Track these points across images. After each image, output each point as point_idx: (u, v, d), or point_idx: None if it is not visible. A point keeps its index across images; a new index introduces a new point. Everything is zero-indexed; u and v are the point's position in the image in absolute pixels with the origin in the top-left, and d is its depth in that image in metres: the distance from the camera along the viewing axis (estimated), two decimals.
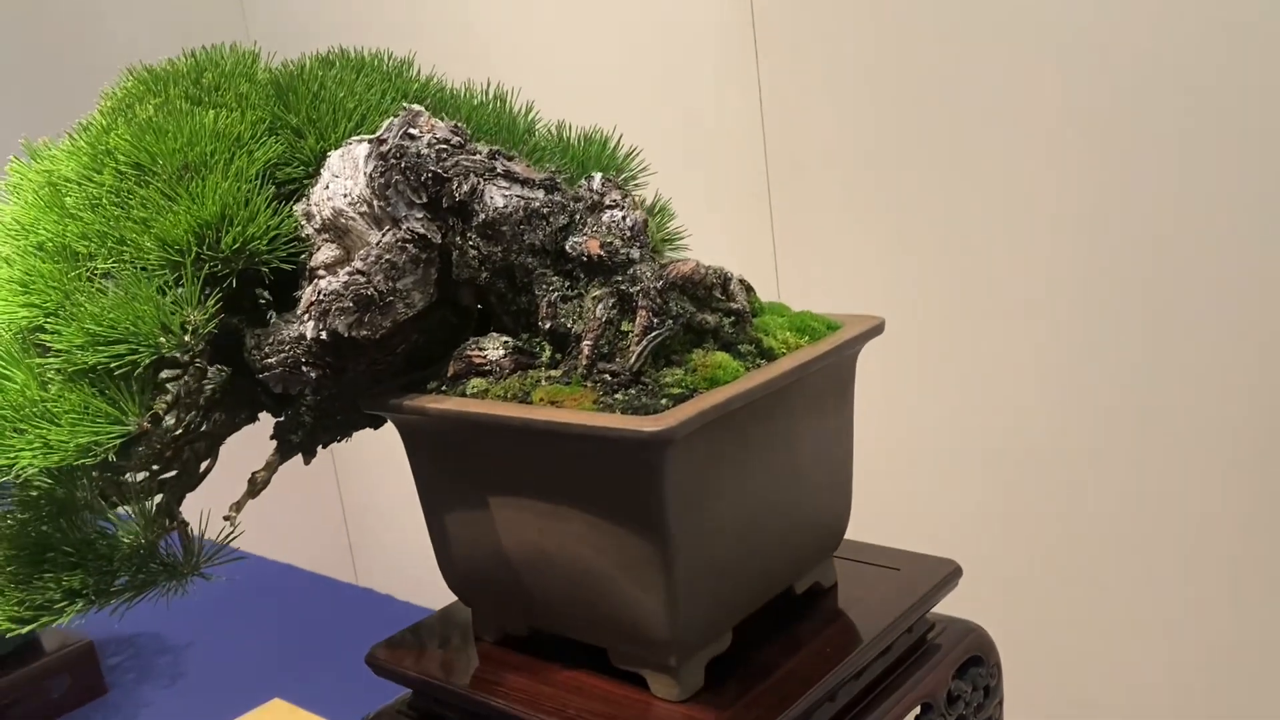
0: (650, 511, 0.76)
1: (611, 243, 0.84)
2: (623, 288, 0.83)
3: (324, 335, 0.84)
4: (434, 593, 2.40)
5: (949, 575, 0.98)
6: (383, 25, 2.30)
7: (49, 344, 0.79)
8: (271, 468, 1.01)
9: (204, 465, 0.97)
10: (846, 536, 0.99)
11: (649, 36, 1.90)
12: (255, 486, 0.96)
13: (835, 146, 1.72)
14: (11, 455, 0.76)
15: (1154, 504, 1.56)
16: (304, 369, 0.86)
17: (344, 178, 0.88)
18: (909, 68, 1.62)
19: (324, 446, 1.07)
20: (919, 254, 1.68)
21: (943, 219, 1.65)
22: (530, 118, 1.08)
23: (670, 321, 0.81)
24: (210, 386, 0.92)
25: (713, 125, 1.85)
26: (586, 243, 0.84)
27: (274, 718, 2.24)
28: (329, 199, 0.87)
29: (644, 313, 0.81)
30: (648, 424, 0.73)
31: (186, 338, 0.80)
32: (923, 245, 1.67)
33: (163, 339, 0.78)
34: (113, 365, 0.77)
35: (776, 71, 1.76)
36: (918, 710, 0.92)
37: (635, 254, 0.84)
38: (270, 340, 0.87)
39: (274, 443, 1.00)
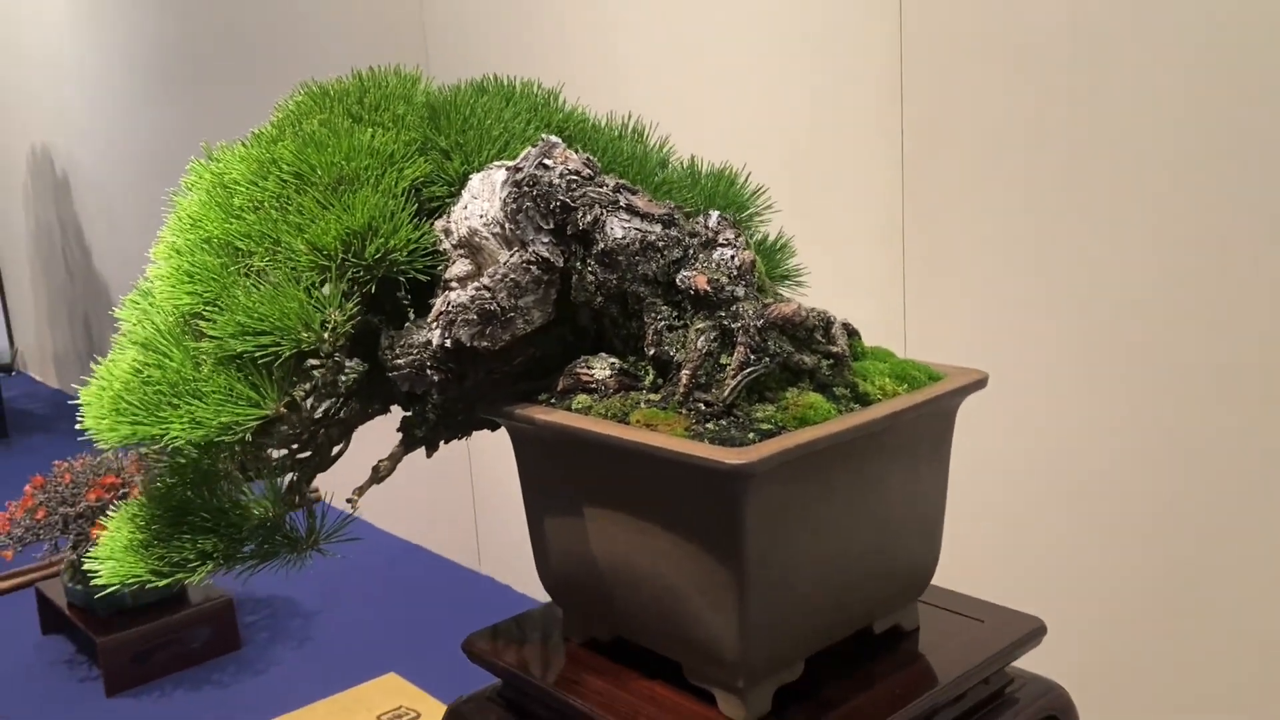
0: (729, 539, 0.80)
1: (718, 279, 0.88)
2: (725, 323, 0.87)
3: (448, 343, 0.90)
4: None
5: (1032, 632, 0.99)
6: (546, 48, 2.40)
7: (205, 330, 0.88)
8: (395, 459, 1.09)
9: (336, 449, 1.05)
10: (934, 582, 1.01)
11: (795, 79, 1.94)
12: (378, 474, 1.03)
13: (975, 200, 1.72)
14: (164, 426, 0.86)
15: (1258, 574, 1.50)
16: (429, 372, 0.93)
17: (482, 199, 0.95)
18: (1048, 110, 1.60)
19: (445, 443, 1.15)
20: (1040, 307, 1.66)
21: (1075, 274, 1.63)
22: (665, 152, 1.13)
23: (767, 359, 0.85)
24: (347, 378, 1.00)
25: (851, 171, 1.87)
26: (695, 278, 0.89)
27: (388, 691, 2.36)
28: (466, 218, 0.94)
29: (742, 348, 0.85)
30: (732, 456, 0.77)
31: (326, 335, 0.88)
32: (1046, 299, 1.66)
33: (304, 334, 0.86)
34: (258, 354, 0.86)
35: (919, 119, 1.77)
36: None
37: (740, 292, 0.88)
38: (402, 343, 0.94)
39: (399, 435, 1.08)
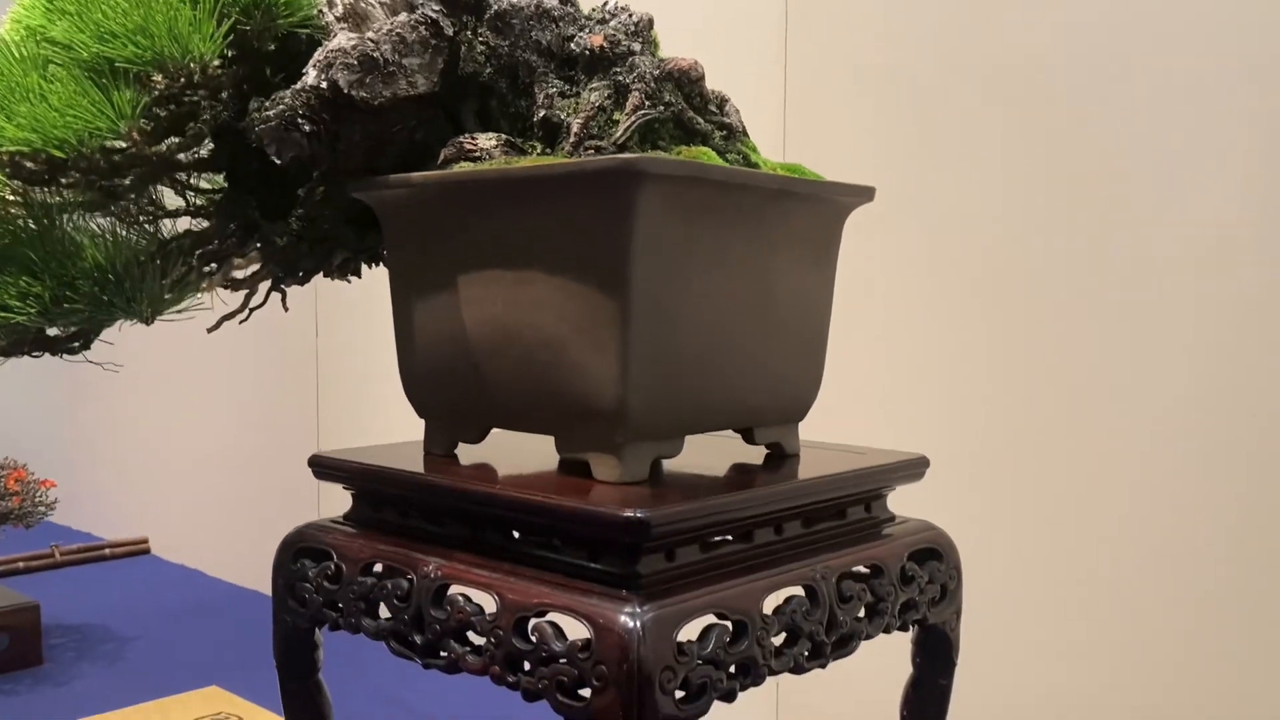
0: (617, 266, 0.76)
1: (615, 35, 0.86)
2: (620, 78, 0.85)
3: (324, 85, 0.85)
4: None
5: (913, 460, 0.96)
6: None
7: (57, 37, 0.81)
8: (258, 278, 1.02)
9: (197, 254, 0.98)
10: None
11: None
12: (233, 280, 0.96)
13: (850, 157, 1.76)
14: None
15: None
16: (300, 122, 0.87)
17: None
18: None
19: (304, 279, 1.08)
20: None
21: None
22: None
23: (661, 107, 0.83)
24: (209, 118, 0.93)
25: None
26: (590, 37, 0.87)
27: (209, 698, 2.15)
28: None
29: (637, 94, 0.83)
30: (621, 161, 0.73)
31: (194, 63, 0.82)
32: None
33: (171, 48, 0.80)
34: (118, 62, 0.79)
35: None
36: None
37: (637, 47, 0.86)
38: (273, 97, 0.88)
39: (259, 249, 1.01)
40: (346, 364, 2.84)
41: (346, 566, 0.87)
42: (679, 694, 0.70)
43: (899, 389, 1.77)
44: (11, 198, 0.86)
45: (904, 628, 0.92)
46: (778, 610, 0.79)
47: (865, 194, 0.94)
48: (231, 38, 0.89)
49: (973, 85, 1.68)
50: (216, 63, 0.88)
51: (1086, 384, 1.58)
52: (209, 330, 1.06)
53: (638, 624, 0.69)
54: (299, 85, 0.87)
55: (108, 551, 2.88)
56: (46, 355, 0.91)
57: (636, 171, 0.73)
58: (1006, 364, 1.66)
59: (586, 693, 0.70)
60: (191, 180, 1.07)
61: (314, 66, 0.86)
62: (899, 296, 1.77)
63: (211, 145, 1.01)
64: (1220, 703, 1.48)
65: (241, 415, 3.25)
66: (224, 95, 0.93)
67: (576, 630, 0.72)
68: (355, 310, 2.77)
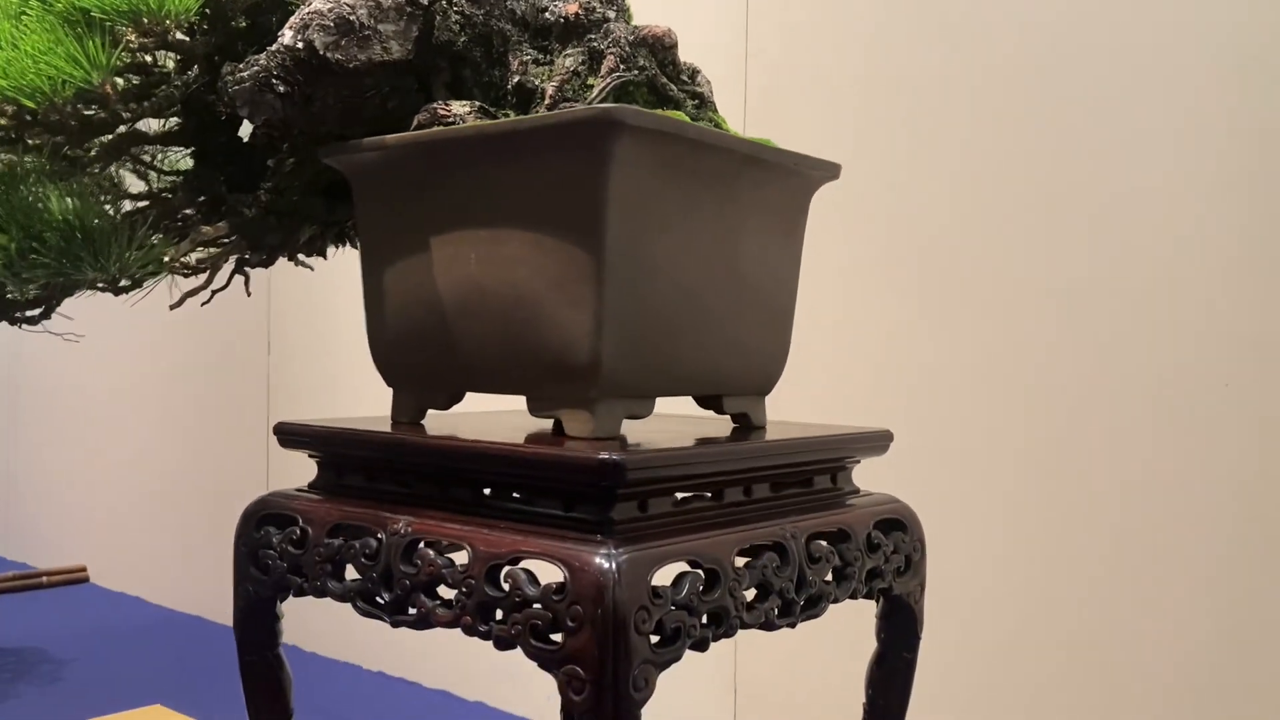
0: (591, 215, 0.76)
1: (590, 3, 0.87)
2: (594, 44, 0.86)
3: (300, 46, 0.86)
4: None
5: (879, 434, 0.97)
6: None
7: None
8: (227, 250, 1.01)
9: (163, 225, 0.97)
10: None
11: None
12: (198, 236, 0.95)
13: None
14: None
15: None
16: (275, 82, 0.87)
17: None
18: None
19: (269, 258, 1.08)
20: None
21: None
22: None
23: (636, 71, 0.84)
24: (181, 85, 0.93)
25: None
26: (565, 5, 0.88)
27: (154, 718, 2.09)
28: None
29: (612, 58, 0.84)
30: (599, 110, 0.74)
31: (167, 20, 0.82)
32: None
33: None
34: (94, 11, 0.79)
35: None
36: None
37: (611, 14, 0.87)
38: (246, 61, 0.89)
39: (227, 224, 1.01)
40: (300, 393, 2.81)
41: (313, 529, 0.86)
42: (653, 638, 0.70)
43: (861, 371, 1.79)
44: None
45: (870, 595, 0.92)
46: (749, 565, 0.79)
47: (832, 170, 0.96)
48: (206, 9, 0.90)
49: (942, 69, 1.72)
50: (188, 26, 0.88)
51: (1052, 366, 1.61)
52: (171, 307, 1.05)
53: (613, 565, 0.69)
54: (274, 46, 0.87)
55: (45, 580, 2.81)
56: None
57: (614, 121, 0.74)
58: (971, 347, 1.69)
59: (559, 638, 0.70)
60: (156, 160, 1.07)
61: (290, 28, 0.86)
62: (860, 276, 1.79)
63: (179, 120, 1.01)
64: (1189, 679, 1.50)
65: (184, 442, 3.20)
66: (194, 67, 0.94)
67: (550, 578, 0.72)
68: (310, 331, 2.74)
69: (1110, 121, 1.55)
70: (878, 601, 0.97)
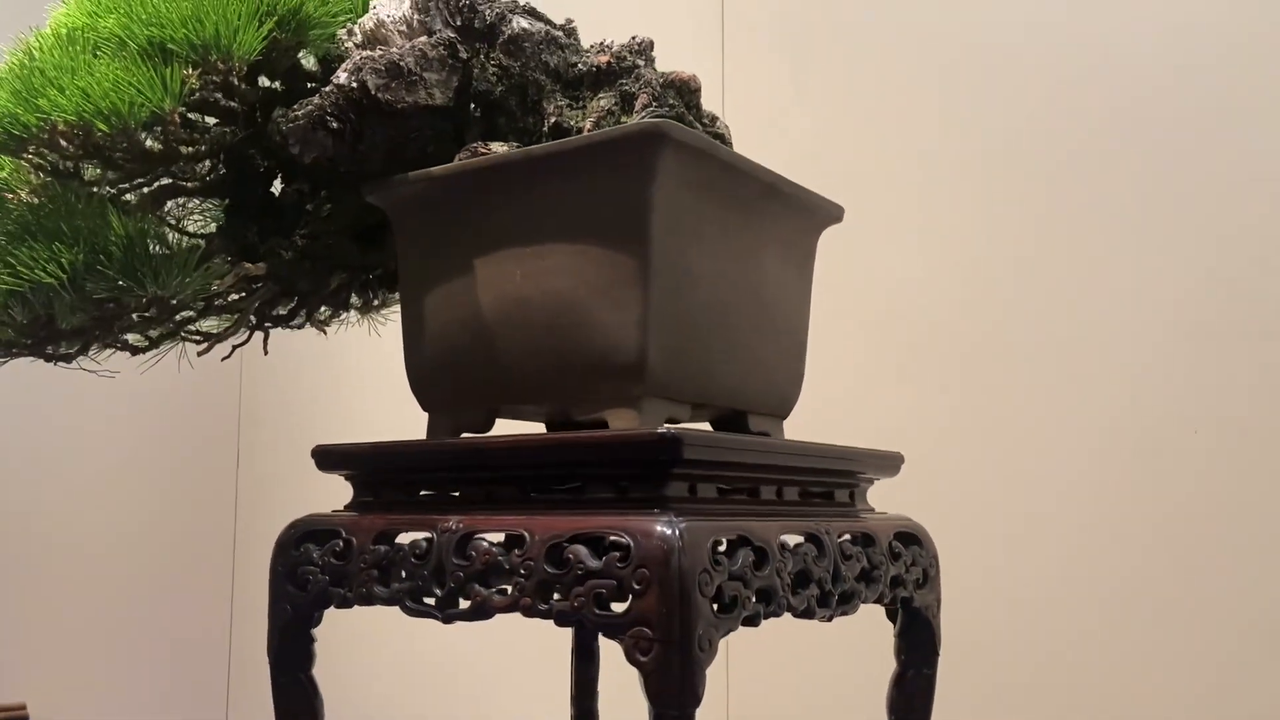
0: (637, 221, 0.83)
1: (621, 54, 0.96)
2: (625, 88, 0.94)
3: (354, 85, 0.92)
4: None
5: (890, 456, 1.02)
6: None
7: (107, 31, 0.87)
8: (254, 292, 1.05)
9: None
10: None
11: None
12: (241, 270, 1.00)
13: None
14: (47, 103, 0.82)
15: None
16: (328, 120, 0.93)
17: (389, 6, 1.00)
18: None
19: (296, 309, 1.12)
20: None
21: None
22: None
23: (666, 108, 0.92)
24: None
25: None
26: (597, 56, 0.96)
27: None
28: (373, 17, 0.99)
29: (644, 96, 0.92)
30: (648, 123, 0.82)
31: (235, 57, 0.89)
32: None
33: (224, 32, 0.87)
34: (169, 44, 0.85)
35: None
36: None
37: (641, 62, 0.96)
38: (300, 103, 0.95)
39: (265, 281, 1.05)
40: (269, 520, 2.78)
41: (357, 539, 0.88)
42: (714, 605, 0.73)
43: (869, 396, 1.82)
44: (35, 179, 0.89)
45: (893, 603, 0.96)
46: (790, 551, 0.83)
47: (836, 213, 1.04)
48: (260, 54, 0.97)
49: (917, 72, 1.83)
50: (244, 72, 0.95)
51: (1054, 384, 1.67)
52: (200, 353, 1.08)
53: (675, 530, 0.72)
54: (328, 88, 0.94)
55: None
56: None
57: (661, 133, 0.81)
58: (977, 365, 1.73)
59: (622, 607, 0.73)
60: (188, 207, 1.12)
61: (344, 71, 0.94)
62: (859, 296, 1.83)
63: (217, 168, 1.07)
64: (1198, 690, 1.52)
65: (137, 567, 3.11)
66: (237, 120, 1.00)
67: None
68: (278, 453, 2.74)
69: (1124, 110, 1.68)
70: (898, 614, 1.00)
